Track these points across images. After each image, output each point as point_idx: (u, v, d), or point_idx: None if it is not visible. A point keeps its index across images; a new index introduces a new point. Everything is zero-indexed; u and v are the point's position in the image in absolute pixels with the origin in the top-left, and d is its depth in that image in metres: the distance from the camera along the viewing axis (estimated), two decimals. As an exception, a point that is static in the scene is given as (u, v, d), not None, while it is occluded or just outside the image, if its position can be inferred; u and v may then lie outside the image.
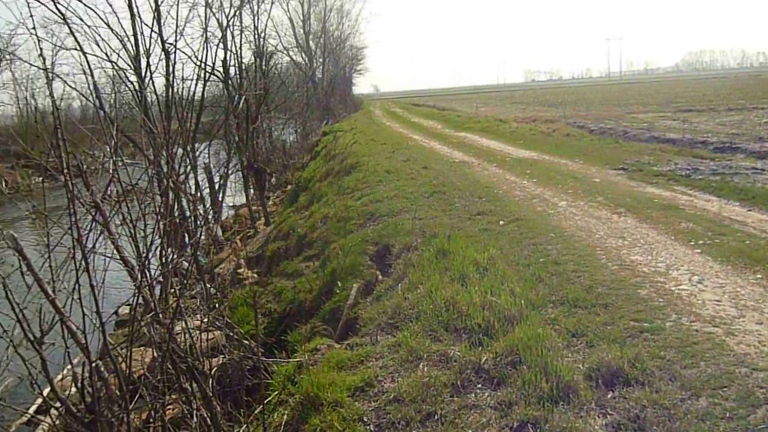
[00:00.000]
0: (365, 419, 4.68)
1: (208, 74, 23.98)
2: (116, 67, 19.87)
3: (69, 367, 4.40)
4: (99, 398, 4.19)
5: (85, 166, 6.01)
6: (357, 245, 10.05)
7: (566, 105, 45.76)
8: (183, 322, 7.53)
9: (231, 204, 27.82)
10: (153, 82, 18.42)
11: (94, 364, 4.20)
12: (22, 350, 4.08)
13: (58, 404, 4.17)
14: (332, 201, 14.36)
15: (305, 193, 19.23)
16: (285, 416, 5.28)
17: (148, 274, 6.12)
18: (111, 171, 6.40)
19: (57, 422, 4.31)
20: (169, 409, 7.60)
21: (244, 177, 25.32)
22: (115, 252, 6.13)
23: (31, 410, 4.07)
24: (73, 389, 4.79)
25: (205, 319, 10.07)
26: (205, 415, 6.75)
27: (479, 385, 4.77)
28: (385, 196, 12.61)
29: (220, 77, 25.25)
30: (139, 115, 18.20)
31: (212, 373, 7.09)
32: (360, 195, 13.51)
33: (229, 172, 25.12)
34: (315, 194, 17.32)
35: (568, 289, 6.40)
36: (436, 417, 4.46)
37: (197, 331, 7.61)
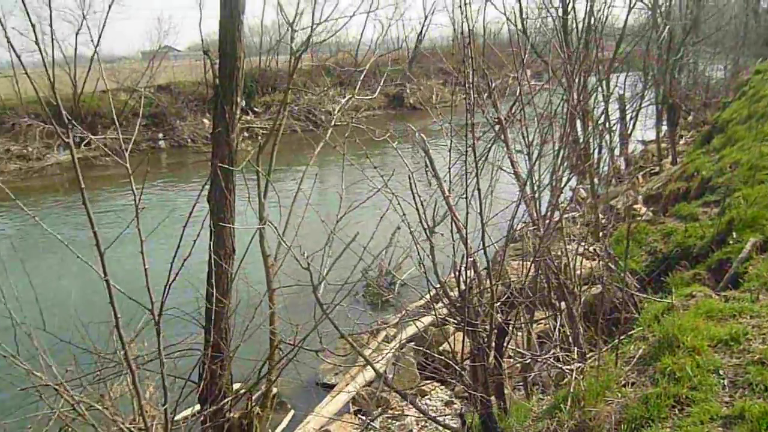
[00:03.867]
0: (721, 372, 4.54)
1: (634, 1, 23.19)
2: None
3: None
4: (470, 288, 4.83)
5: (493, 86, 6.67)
6: (764, 197, 9.19)
7: None
8: (563, 243, 7.95)
9: (641, 139, 27.02)
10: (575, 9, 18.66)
11: (471, 259, 4.84)
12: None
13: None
14: (748, 146, 13.07)
15: (720, 136, 17.75)
16: (640, 350, 5.35)
17: (535, 189, 6.62)
18: (518, 93, 6.96)
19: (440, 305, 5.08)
20: (538, 323, 8.19)
21: (657, 112, 24.22)
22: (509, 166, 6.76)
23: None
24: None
25: (590, 247, 10.39)
26: (568, 333, 7.16)
27: None
28: (815, 145, 11.07)
29: (648, 4, 24.20)
30: (559, 42, 18.67)
31: (581, 294, 7.41)
32: (784, 143, 12.06)
33: (643, 105, 24.31)
34: (730, 137, 15.91)
35: None
36: (801, 391, 4.12)
37: (578, 256, 7.96)
